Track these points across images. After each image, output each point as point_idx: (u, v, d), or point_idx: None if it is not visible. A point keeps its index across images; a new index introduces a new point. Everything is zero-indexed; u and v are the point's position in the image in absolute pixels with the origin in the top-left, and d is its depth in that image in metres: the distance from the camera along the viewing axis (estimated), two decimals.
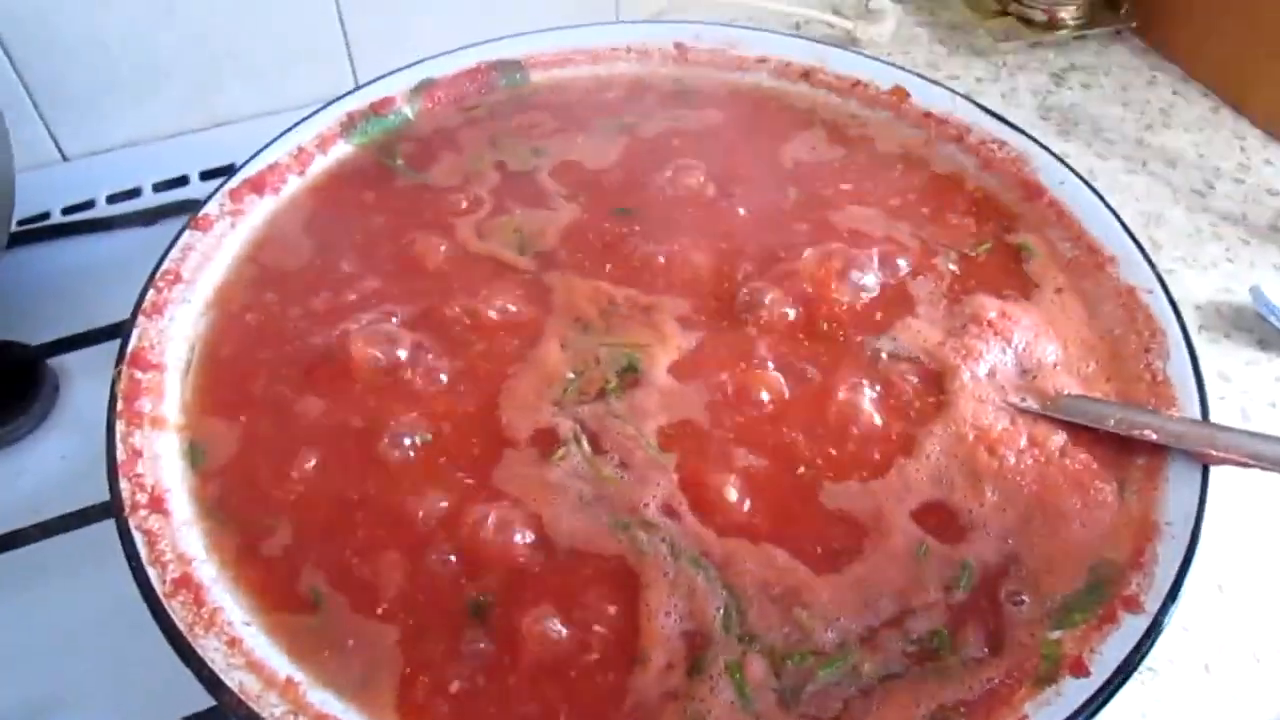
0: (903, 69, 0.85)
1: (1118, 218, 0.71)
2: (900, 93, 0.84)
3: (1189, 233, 0.92)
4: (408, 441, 0.61)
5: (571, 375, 0.64)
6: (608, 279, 0.71)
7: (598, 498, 0.58)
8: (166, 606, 0.51)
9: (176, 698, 0.55)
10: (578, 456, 0.60)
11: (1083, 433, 0.62)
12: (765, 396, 0.63)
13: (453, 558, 0.56)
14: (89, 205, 0.94)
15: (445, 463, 0.61)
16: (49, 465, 0.73)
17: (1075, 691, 0.50)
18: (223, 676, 0.49)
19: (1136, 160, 0.98)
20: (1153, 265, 0.69)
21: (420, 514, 0.58)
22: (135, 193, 0.95)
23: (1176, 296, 0.67)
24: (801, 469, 0.60)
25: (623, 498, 0.58)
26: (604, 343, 0.66)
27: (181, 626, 0.51)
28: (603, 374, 0.64)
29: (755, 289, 0.69)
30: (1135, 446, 0.60)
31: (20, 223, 0.90)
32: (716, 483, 0.59)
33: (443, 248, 0.73)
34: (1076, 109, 1.05)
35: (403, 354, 0.65)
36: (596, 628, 0.53)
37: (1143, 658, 0.51)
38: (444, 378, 0.65)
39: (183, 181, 0.96)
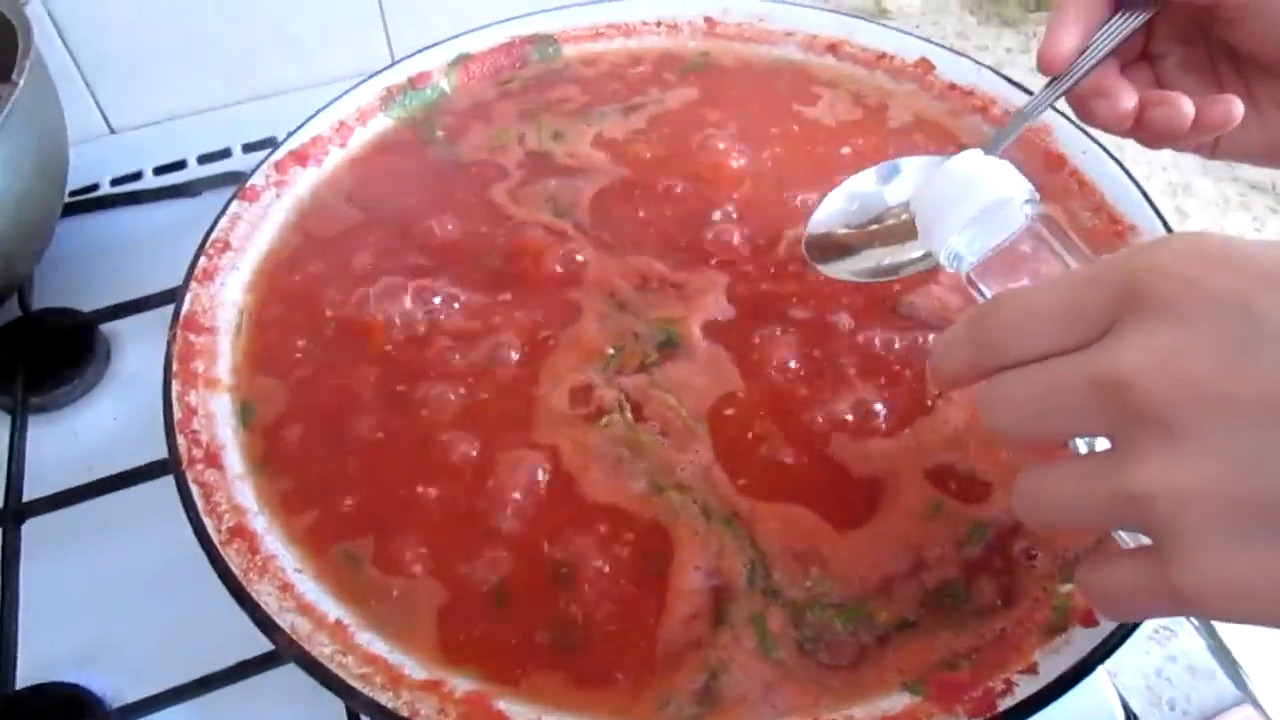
0: (929, 41, 0.86)
1: (1137, 185, 0.72)
2: (926, 65, 0.85)
3: (1217, 202, 0.92)
4: (448, 402, 0.64)
5: (611, 351, 0.66)
6: (641, 250, 0.72)
7: (636, 462, 0.60)
8: (223, 554, 0.54)
9: (229, 645, 0.58)
10: (621, 424, 0.62)
11: None
12: (793, 365, 0.65)
13: (484, 507, 0.59)
14: (136, 177, 0.97)
15: (487, 427, 0.63)
16: (103, 427, 0.76)
17: (1083, 640, 0.52)
18: (276, 619, 0.51)
19: None
20: (1169, 229, 0.70)
21: (460, 471, 0.61)
22: (180, 164, 0.98)
23: None
24: (827, 431, 0.62)
25: (661, 461, 0.60)
26: (642, 318, 0.68)
27: (237, 572, 0.53)
28: (642, 349, 0.66)
29: (781, 261, 0.71)
30: None
31: (72, 193, 0.92)
32: (749, 448, 0.61)
33: (478, 217, 0.76)
34: None
35: (421, 314, 0.68)
36: (626, 580, 0.56)
37: None
38: (484, 347, 0.67)
39: (225, 154, 0.98)
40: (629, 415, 0.62)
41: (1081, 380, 0.37)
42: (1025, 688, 0.50)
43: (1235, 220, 0.90)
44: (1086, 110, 0.61)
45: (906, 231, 0.60)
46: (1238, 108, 0.57)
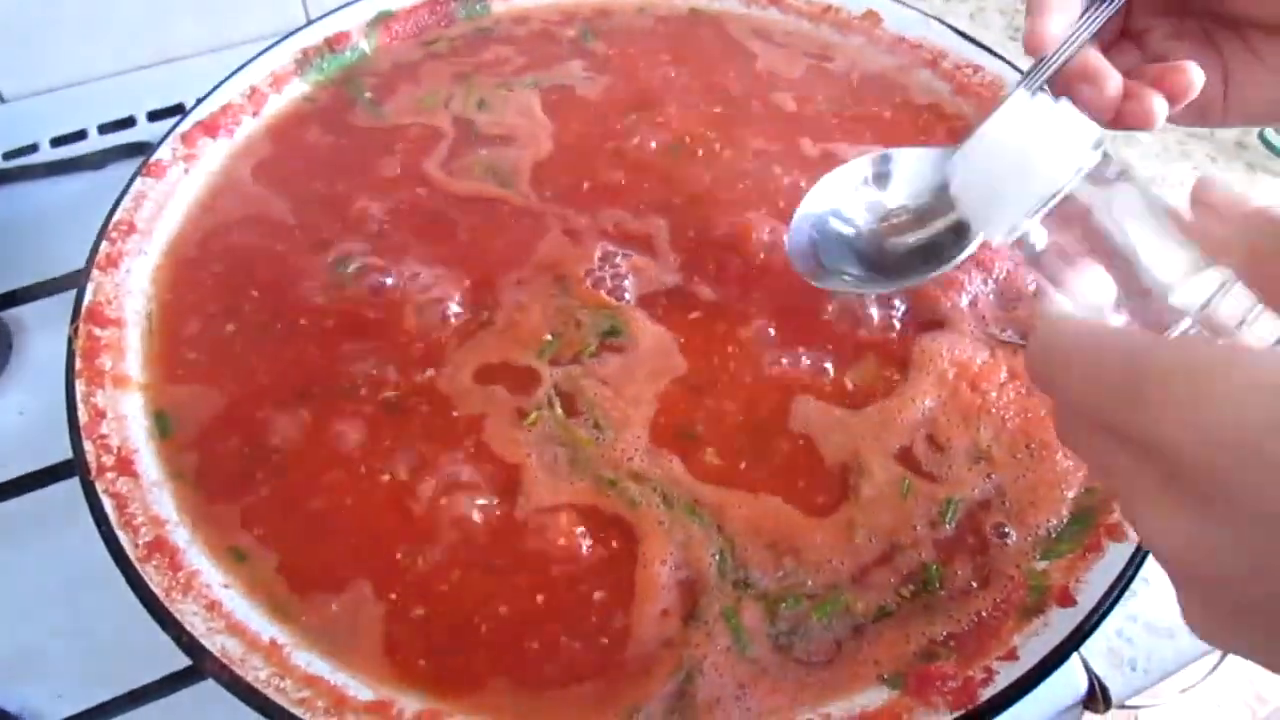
0: None
1: None
2: (873, 17, 0.82)
3: (1157, 151, 0.91)
4: (376, 400, 0.60)
5: (550, 337, 0.62)
6: (583, 222, 0.69)
7: (574, 460, 0.57)
8: (141, 571, 0.50)
9: (155, 657, 0.53)
10: (550, 421, 0.58)
11: None
12: (748, 346, 0.62)
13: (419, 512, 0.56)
14: (32, 149, 0.90)
15: (414, 427, 0.59)
16: (8, 421, 0.71)
17: (1062, 621, 0.50)
18: (204, 642, 0.48)
19: None
20: None
21: (388, 476, 0.57)
22: (80, 135, 0.91)
23: None
24: (787, 413, 0.59)
25: (603, 457, 0.57)
26: (586, 304, 0.64)
27: (158, 592, 0.49)
28: (582, 337, 0.62)
29: (732, 233, 0.68)
30: None
31: None
32: (700, 439, 0.58)
33: (410, 188, 0.71)
34: None
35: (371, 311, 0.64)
36: (588, 579, 0.53)
37: (1128, 584, 0.51)
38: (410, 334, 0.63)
39: (129, 123, 0.92)
40: (559, 411, 0.59)
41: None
42: (1006, 675, 0.48)
43: (1177, 170, 0.90)
44: (1072, 94, 0.57)
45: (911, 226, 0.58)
46: (1195, 75, 0.55)
